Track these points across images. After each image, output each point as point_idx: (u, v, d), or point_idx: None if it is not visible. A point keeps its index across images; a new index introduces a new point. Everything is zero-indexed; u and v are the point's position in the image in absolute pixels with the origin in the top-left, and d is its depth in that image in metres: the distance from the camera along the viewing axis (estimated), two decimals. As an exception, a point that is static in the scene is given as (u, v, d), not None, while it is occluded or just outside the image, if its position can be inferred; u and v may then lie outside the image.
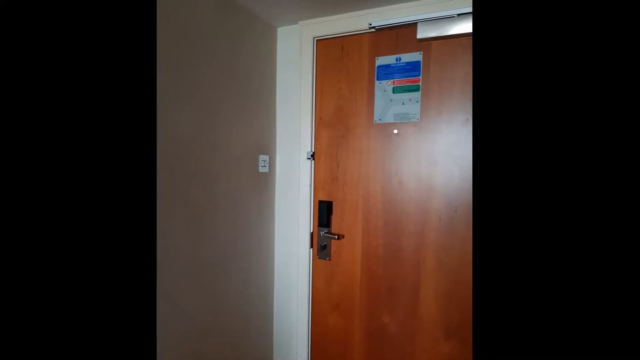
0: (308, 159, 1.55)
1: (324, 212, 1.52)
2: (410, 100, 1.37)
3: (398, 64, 1.39)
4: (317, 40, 1.53)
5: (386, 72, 1.41)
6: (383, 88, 1.42)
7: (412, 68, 1.36)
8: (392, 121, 1.41)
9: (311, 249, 1.59)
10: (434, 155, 1.34)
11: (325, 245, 1.55)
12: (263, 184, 1.56)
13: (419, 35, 1.30)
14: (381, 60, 1.41)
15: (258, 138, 1.52)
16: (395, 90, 1.40)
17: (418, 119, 1.36)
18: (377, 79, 1.42)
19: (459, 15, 1.23)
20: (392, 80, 1.40)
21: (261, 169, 1.54)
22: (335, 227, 1.54)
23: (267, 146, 1.57)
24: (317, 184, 1.56)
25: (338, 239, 1.53)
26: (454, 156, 1.31)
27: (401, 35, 1.37)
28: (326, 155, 1.54)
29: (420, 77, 1.35)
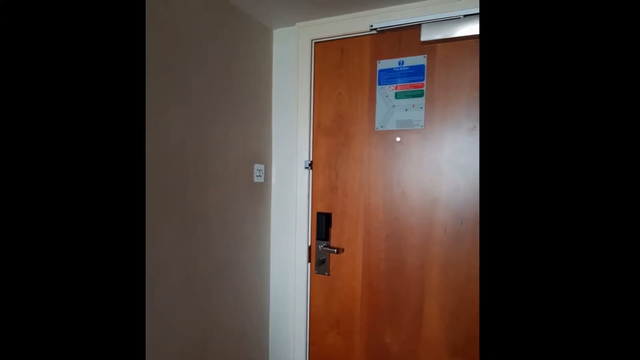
0: (306, 168, 1.49)
1: (323, 224, 1.46)
2: (413, 106, 1.32)
3: (401, 68, 1.33)
4: (315, 42, 1.47)
5: (388, 76, 1.35)
6: (385, 93, 1.36)
7: (416, 72, 1.31)
8: (394, 128, 1.35)
9: (309, 264, 1.53)
10: (439, 164, 1.29)
11: (324, 259, 1.49)
12: (258, 194, 1.51)
13: (423, 38, 1.25)
14: (383, 64, 1.36)
15: (253, 146, 1.46)
16: (397, 95, 1.34)
17: (422, 126, 1.31)
18: (379, 84, 1.37)
19: (465, 16, 1.19)
20: (394, 85, 1.35)
21: (256, 179, 1.48)
22: (334, 240, 1.48)
23: (262, 155, 1.52)
24: (316, 194, 1.51)
25: (337, 252, 1.47)
26: (460, 165, 1.26)
27: (404, 37, 1.32)
28: (325, 165, 1.48)
29: (424, 82, 1.30)
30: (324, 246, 1.47)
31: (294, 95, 1.51)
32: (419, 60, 1.31)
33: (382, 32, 1.34)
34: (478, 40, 1.21)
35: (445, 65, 1.27)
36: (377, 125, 1.38)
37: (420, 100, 1.31)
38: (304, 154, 1.49)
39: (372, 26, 1.32)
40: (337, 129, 1.45)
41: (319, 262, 1.49)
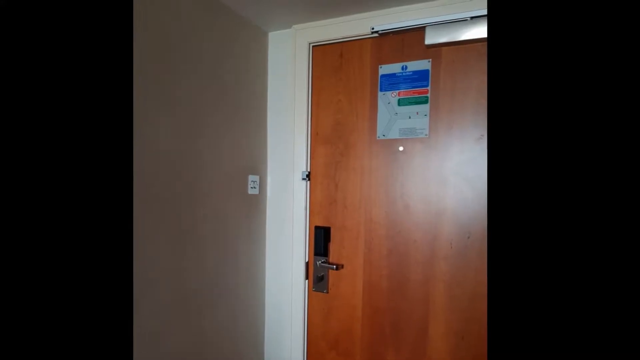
0: (303, 179, 1.43)
1: (321, 239, 1.40)
2: (417, 113, 1.26)
3: (404, 73, 1.28)
4: (313, 46, 1.42)
5: (390, 82, 1.30)
6: (387, 100, 1.30)
7: (420, 77, 1.26)
8: (397, 137, 1.29)
9: (306, 281, 1.46)
10: (444, 175, 1.24)
11: (323, 276, 1.42)
12: (253, 207, 1.44)
13: (428, 41, 1.20)
14: (385, 69, 1.30)
15: (247, 156, 1.40)
16: (400, 102, 1.28)
17: (426, 135, 1.25)
18: (381, 90, 1.31)
19: (472, 18, 1.14)
20: (397, 92, 1.29)
21: (251, 191, 1.42)
22: (333, 256, 1.41)
23: (257, 165, 1.46)
24: (313, 207, 1.45)
25: (337, 269, 1.40)
26: (467, 176, 1.20)
27: (407, 40, 1.27)
28: (323, 176, 1.42)
29: (428, 88, 1.25)
30: (322, 262, 1.40)
31: (290, 101, 1.45)
32: (423, 64, 1.25)
33: (383, 35, 1.29)
34: (486, 43, 1.17)
35: (451, 70, 1.22)
36: (379, 133, 1.32)
37: (425, 108, 1.25)
38: (301, 164, 1.43)
39: (373, 29, 1.27)
40: (336, 138, 1.39)
41: (317, 278, 1.43)
